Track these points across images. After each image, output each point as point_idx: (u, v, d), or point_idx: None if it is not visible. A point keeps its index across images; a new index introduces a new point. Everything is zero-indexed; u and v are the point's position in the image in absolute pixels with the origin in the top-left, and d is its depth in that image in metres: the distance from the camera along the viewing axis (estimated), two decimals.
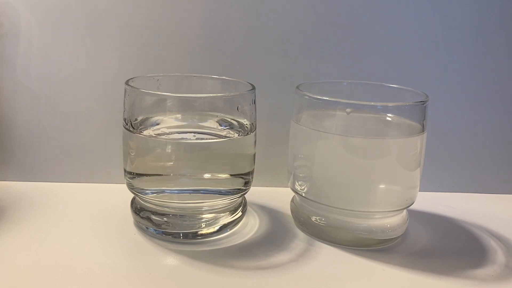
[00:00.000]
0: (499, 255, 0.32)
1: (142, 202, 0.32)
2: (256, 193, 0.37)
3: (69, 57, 0.38)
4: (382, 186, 0.31)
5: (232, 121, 0.32)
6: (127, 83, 0.31)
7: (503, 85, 0.40)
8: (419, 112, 0.31)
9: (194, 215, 0.32)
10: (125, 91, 0.31)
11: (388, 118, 0.32)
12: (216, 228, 0.32)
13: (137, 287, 0.26)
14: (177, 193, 0.31)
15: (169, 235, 0.31)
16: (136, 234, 0.32)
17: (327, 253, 0.31)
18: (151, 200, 0.31)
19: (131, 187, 0.32)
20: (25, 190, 0.38)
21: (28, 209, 0.35)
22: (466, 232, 0.35)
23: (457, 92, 0.40)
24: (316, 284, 0.27)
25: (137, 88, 0.30)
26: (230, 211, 0.33)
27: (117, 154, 0.36)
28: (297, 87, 0.33)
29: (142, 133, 0.31)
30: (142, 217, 0.32)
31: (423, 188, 0.35)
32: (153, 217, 0.32)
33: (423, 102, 0.31)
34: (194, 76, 0.35)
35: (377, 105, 0.30)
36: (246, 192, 0.33)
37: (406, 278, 0.28)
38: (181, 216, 0.32)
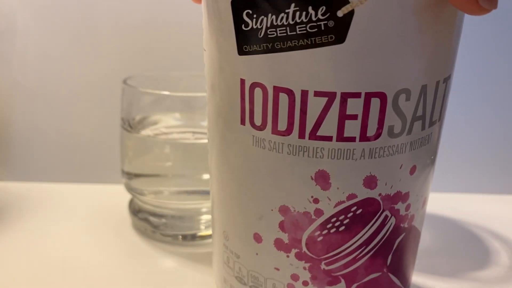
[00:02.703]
0: (503, 257, 0.31)
1: (140, 203, 0.32)
2: None
3: (66, 55, 0.37)
4: None
5: None
6: (124, 82, 0.31)
7: (503, 84, 0.39)
8: None
9: (193, 216, 0.31)
10: (123, 90, 0.31)
11: None
12: None
13: None
14: (176, 194, 0.31)
15: (168, 236, 0.31)
16: (134, 235, 0.31)
17: None
18: (149, 201, 0.31)
19: (129, 188, 0.32)
20: (22, 191, 0.37)
21: (23, 210, 0.34)
22: (469, 233, 0.35)
23: (456, 92, 0.39)
24: None
25: (135, 87, 0.30)
26: None
27: (114, 154, 0.36)
28: None
29: (140, 133, 0.31)
30: (140, 219, 0.32)
31: None
32: (152, 218, 0.31)
33: None
34: (194, 75, 0.34)
35: None
36: None
37: None
38: (180, 217, 0.31)
